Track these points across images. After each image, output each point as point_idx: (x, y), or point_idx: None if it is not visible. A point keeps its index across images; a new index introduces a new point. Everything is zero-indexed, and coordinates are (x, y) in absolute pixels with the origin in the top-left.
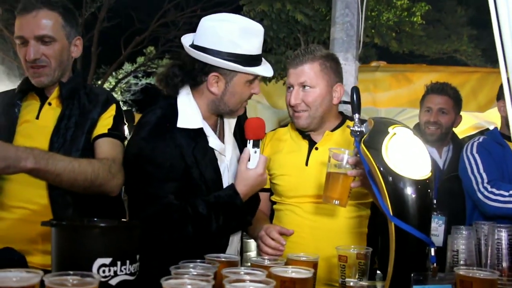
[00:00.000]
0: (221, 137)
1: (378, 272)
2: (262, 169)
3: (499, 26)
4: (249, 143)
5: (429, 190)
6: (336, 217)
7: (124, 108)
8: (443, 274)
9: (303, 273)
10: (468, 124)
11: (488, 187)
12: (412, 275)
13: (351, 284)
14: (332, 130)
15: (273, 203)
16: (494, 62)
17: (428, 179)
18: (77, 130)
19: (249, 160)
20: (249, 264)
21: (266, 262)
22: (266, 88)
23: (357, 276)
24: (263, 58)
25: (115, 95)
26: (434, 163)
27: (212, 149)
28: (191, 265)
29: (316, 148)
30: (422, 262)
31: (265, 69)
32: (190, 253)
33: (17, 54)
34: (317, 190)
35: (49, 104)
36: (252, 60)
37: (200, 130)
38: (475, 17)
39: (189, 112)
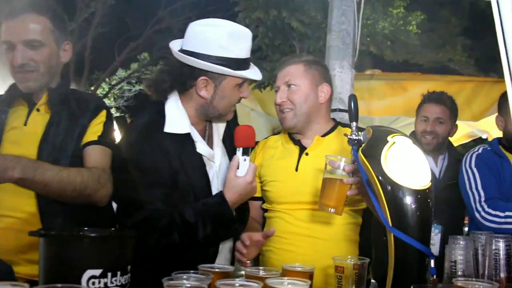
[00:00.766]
0: (210, 143)
1: (373, 281)
2: (252, 177)
3: (503, 35)
4: (238, 150)
5: (429, 200)
6: (328, 224)
7: (117, 114)
8: (441, 284)
9: (299, 285)
10: (462, 132)
11: (485, 206)
12: (411, 287)
13: None
14: (323, 136)
15: (265, 211)
16: (487, 72)
17: (428, 188)
18: (66, 136)
19: (238, 168)
20: (242, 272)
21: (261, 273)
22: (260, 96)
23: (354, 287)
24: (251, 63)
25: (108, 101)
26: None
27: (200, 155)
28: (185, 276)
29: (306, 154)
30: (422, 274)
31: (253, 73)
32: (179, 263)
33: None
34: (307, 196)
35: (38, 110)
36: (241, 64)
37: (188, 135)
38: (469, 27)
39: (177, 117)
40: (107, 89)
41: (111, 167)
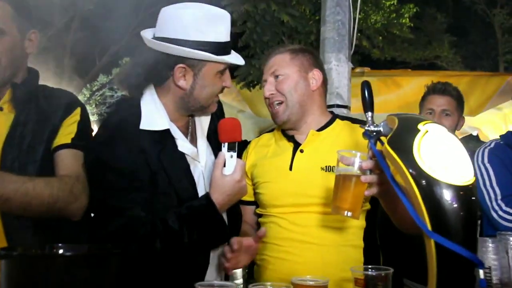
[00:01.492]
0: (194, 140)
1: None
2: (240, 175)
3: None
4: (224, 146)
5: (473, 198)
6: (328, 229)
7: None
8: None
9: None
10: None
11: (503, 205)
12: None
13: None
14: (319, 130)
15: (260, 216)
16: (474, 69)
17: (471, 184)
18: (34, 138)
19: (224, 166)
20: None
21: None
22: (249, 96)
23: None
24: (232, 50)
25: (89, 108)
26: None
27: (182, 154)
28: None
29: (301, 151)
30: (470, 286)
31: (235, 58)
32: (168, 277)
33: None
34: (303, 198)
35: (1, 109)
36: (221, 48)
37: (167, 132)
38: (454, 25)
39: (154, 112)
40: (88, 95)
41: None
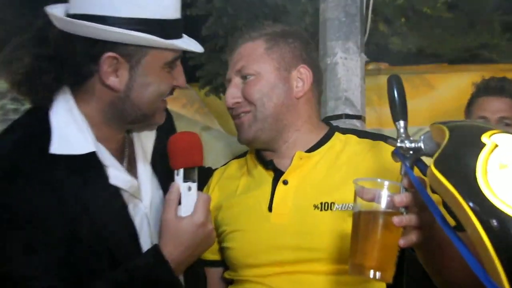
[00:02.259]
0: (133, 169)
1: None
2: (203, 215)
3: None
4: (177, 175)
5: None
6: None
7: None
8: None
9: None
10: None
11: None
12: None
13: None
14: (309, 150)
15: (229, 282)
16: None
17: None
18: None
19: (180, 204)
20: None
21: None
22: (218, 106)
23: None
24: (184, 35)
25: None
26: None
27: (115, 189)
28: None
29: (285, 182)
30: None
31: (189, 43)
32: None
33: None
34: (289, 253)
35: None
36: (168, 29)
37: (92, 157)
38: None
39: (71, 128)
40: None
41: None
